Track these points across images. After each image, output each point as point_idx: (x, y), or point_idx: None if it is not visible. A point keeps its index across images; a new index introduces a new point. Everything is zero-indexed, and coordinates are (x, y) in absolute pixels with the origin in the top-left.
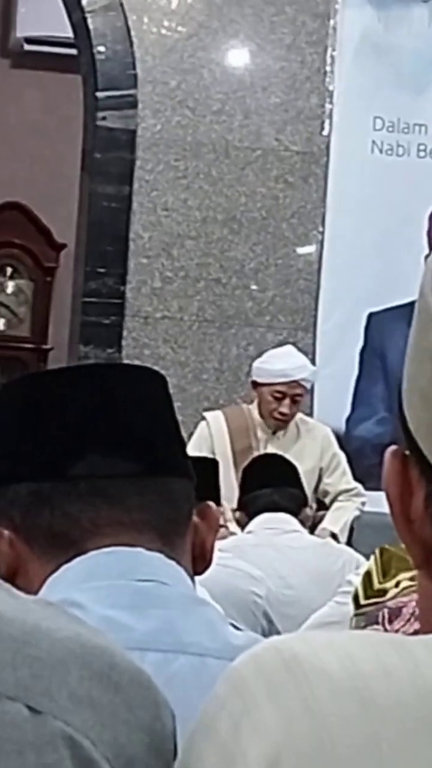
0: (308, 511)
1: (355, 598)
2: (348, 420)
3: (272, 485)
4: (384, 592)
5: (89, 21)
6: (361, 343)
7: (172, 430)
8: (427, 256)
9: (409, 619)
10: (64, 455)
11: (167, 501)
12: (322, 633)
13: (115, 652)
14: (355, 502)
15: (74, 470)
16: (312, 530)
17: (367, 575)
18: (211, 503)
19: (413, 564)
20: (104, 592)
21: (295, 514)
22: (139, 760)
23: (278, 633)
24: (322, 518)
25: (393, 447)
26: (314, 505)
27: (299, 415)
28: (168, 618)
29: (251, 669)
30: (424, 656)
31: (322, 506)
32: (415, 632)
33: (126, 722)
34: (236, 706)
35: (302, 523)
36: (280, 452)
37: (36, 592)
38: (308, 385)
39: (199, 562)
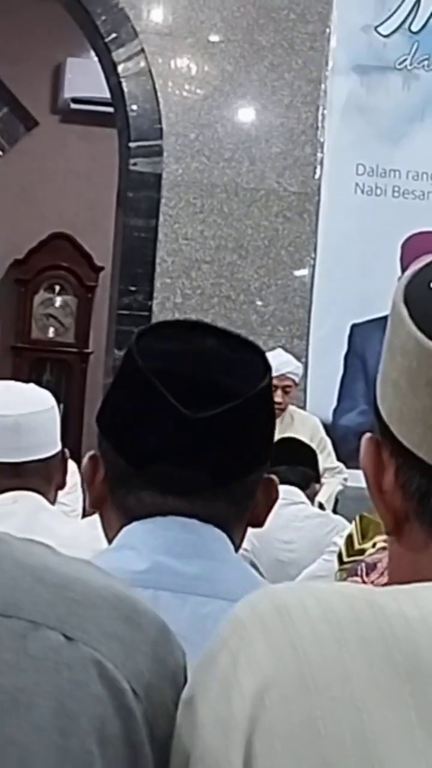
0: (317, 487)
1: (339, 557)
2: (334, 411)
3: (287, 463)
4: (363, 551)
5: (124, 84)
6: (345, 349)
7: (266, 431)
8: (399, 277)
9: (382, 572)
10: (147, 450)
11: (236, 501)
12: (308, 584)
13: (138, 601)
14: (338, 478)
15: (153, 470)
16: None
17: (349, 538)
18: (274, 478)
19: (385, 529)
20: (159, 541)
21: (302, 488)
22: (154, 686)
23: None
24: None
25: (368, 434)
26: None
27: (293, 407)
28: (208, 567)
29: (248, 614)
30: (389, 605)
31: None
32: (387, 584)
33: (145, 654)
34: (234, 644)
35: (309, 497)
36: (277, 436)
37: (112, 539)
38: (296, 379)
39: (252, 525)
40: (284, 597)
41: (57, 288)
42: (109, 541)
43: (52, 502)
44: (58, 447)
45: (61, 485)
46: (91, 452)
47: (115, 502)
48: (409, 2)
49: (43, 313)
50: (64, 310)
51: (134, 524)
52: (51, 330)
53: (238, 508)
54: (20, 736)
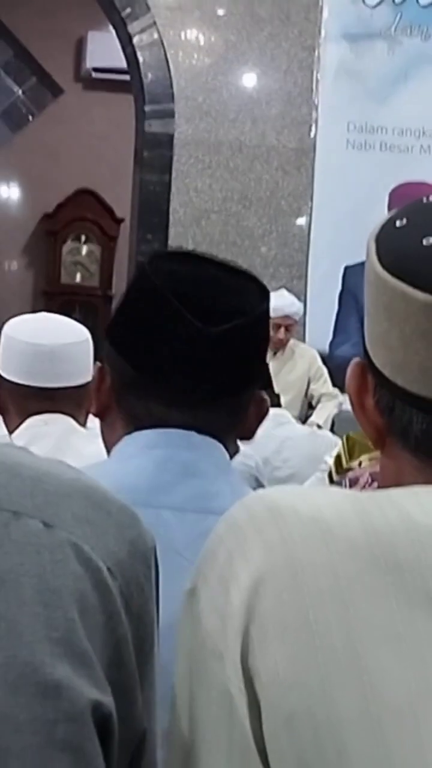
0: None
1: (329, 475)
2: (330, 344)
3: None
4: (350, 469)
5: (138, 55)
6: (340, 288)
7: (262, 351)
8: None
9: (363, 486)
10: (159, 360)
11: (232, 413)
12: (297, 488)
13: (107, 491)
14: (334, 402)
15: (161, 379)
16: (304, 422)
17: (338, 457)
18: (265, 395)
19: (371, 442)
20: (160, 458)
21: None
22: (126, 563)
23: None
24: (310, 415)
25: (356, 359)
26: (306, 405)
27: (293, 341)
28: (203, 486)
29: (243, 513)
30: (371, 507)
31: (311, 406)
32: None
33: (115, 536)
34: (231, 541)
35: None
36: (280, 367)
37: (113, 444)
38: (297, 318)
39: (242, 438)
40: (276, 499)
41: (83, 238)
42: (108, 448)
43: (83, 424)
44: (90, 377)
45: (89, 409)
46: (98, 363)
47: (122, 411)
48: None
49: (70, 261)
50: (89, 258)
51: (139, 433)
52: (78, 275)
53: (233, 420)
54: (7, 610)
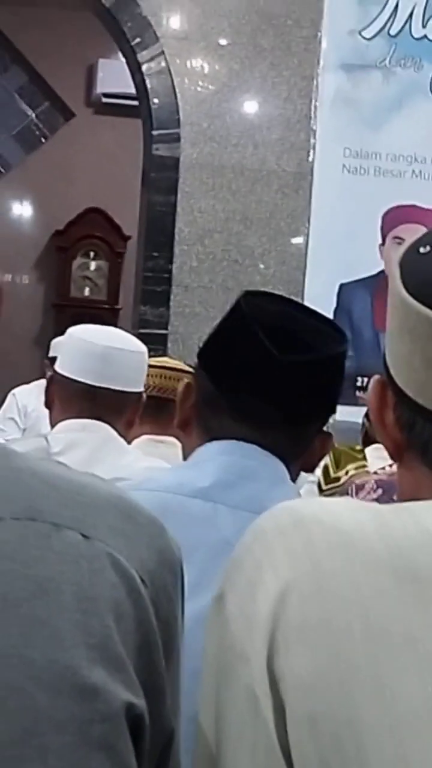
0: None
1: (318, 485)
2: None
3: None
4: (338, 479)
5: (147, 81)
6: (334, 305)
7: (333, 390)
8: (380, 244)
9: (368, 492)
10: (236, 381)
11: (296, 440)
12: (321, 500)
13: (137, 504)
14: None
15: (238, 400)
16: None
17: (325, 468)
18: (331, 434)
19: (390, 456)
20: (225, 462)
21: None
22: (156, 572)
23: None
24: None
25: (377, 376)
26: None
27: None
28: (259, 489)
29: (270, 524)
30: (392, 520)
31: None
32: (375, 500)
33: (146, 546)
34: (258, 550)
35: None
36: None
37: (189, 454)
38: None
39: (304, 470)
40: (301, 510)
41: (92, 254)
42: (185, 457)
43: (122, 433)
44: (139, 388)
45: (132, 423)
46: (187, 380)
47: (200, 424)
48: (387, 11)
49: (80, 276)
50: (98, 273)
51: (211, 443)
52: (87, 289)
53: (296, 447)
54: (50, 616)
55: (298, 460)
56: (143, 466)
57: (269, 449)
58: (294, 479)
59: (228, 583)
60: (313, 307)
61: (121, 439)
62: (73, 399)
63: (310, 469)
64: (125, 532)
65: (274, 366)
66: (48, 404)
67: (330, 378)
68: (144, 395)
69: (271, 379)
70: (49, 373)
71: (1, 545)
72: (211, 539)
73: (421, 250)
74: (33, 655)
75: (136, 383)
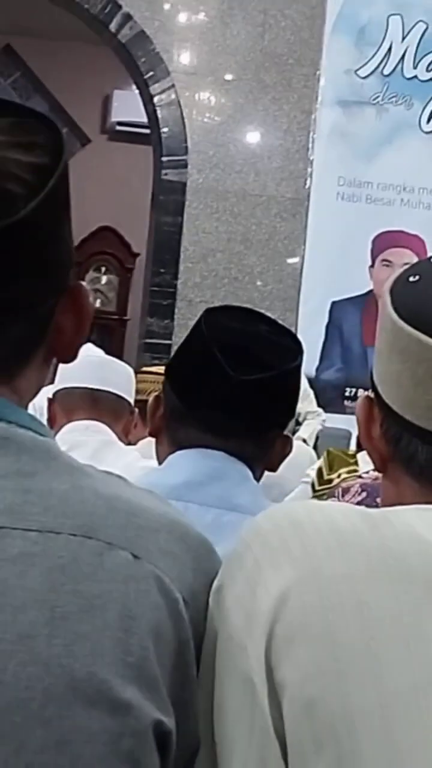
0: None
1: (312, 486)
2: (317, 369)
3: None
4: (330, 481)
5: (158, 112)
6: (327, 320)
7: (290, 400)
8: (370, 266)
9: (354, 494)
10: (198, 397)
11: (258, 446)
12: (314, 502)
13: (189, 526)
14: (318, 419)
15: (201, 413)
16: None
17: (319, 470)
18: (290, 436)
19: (376, 468)
20: (192, 465)
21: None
22: (198, 593)
23: None
24: (296, 430)
25: (364, 393)
26: (294, 422)
27: None
28: (226, 488)
29: (268, 524)
30: (381, 522)
31: (298, 423)
32: (359, 503)
33: (193, 569)
34: (257, 549)
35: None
36: None
37: (163, 460)
38: None
39: (268, 469)
40: (297, 511)
41: (103, 269)
42: (160, 463)
43: (119, 438)
44: (131, 399)
45: (126, 433)
46: (156, 393)
47: (169, 434)
48: (381, 52)
49: (91, 288)
50: (108, 286)
51: (179, 452)
52: (98, 301)
53: (260, 452)
54: (93, 632)
55: (261, 462)
56: (141, 466)
57: (234, 455)
58: (258, 479)
59: (227, 578)
60: (273, 318)
61: (120, 442)
62: (76, 404)
63: (273, 469)
64: (174, 553)
65: (232, 384)
66: (51, 423)
67: (286, 390)
68: (136, 410)
69: (229, 395)
70: (48, 397)
71: (56, 559)
72: None
73: (411, 279)
74: (74, 667)
75: (128, 393)
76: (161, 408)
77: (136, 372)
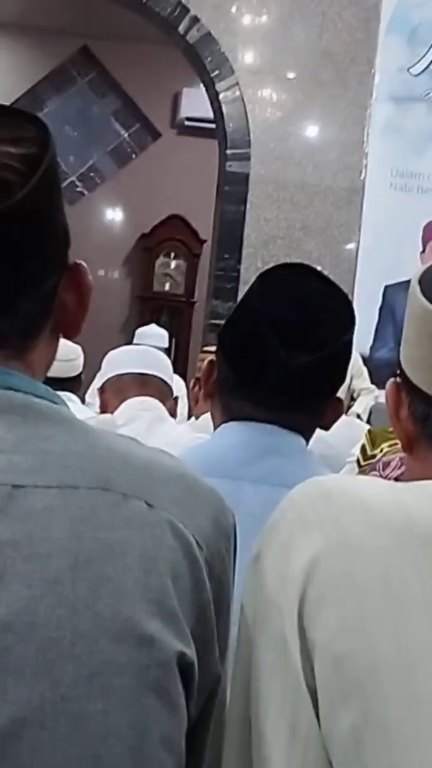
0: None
1: (357, 462)
2: (370, 348)
3: None
4: (374, 456)
5: (223, 108)
6: (380, 303)
7: (340, 373)
8: (421, 251)
9: (394, 468)
10: (250, 371)
11: (311, 416)
12: (345, 476)
13: (199, 478)
14: (371, 396)
15: (253, 389)
16: (346, 412)
17: (363, 447)
18: (342, 398)
19: (402, 448)
20: (246, 441)
21: None
22: (211, 538)
23: None
24: (351, 406)
25: (391, 379)
26: (349, 398)
27: None
28: (278, 463)
29: (302, 495)
30: (407, 495)
31: (353, 399)
32: (398, 476)
33: (203, 515)
34: (292, 517)
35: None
36: None
37: (217, 426)
38: None
39: (321, 428)
40: (329, 483)
41: (172, 254)
42: (215, 426)
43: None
44: (172, 386)
45: (173, 414)
46: (211, 357)
47: (221, 402)
48: None
49: (162, 273)
50: (177, 270)
51: (232, 423)
52: (167, 285)
53: (312, 422)
54: (116, 574)
55: (312, 430)
56: (192, 437)
57: (287, 427)
58: (308, 440)
59: (264, 545)
60: (329, 276)
61: (171, 418)
62: (127, 386)
63: (326, 428)
64: (186, 502)
65: (281, 366)
66: (103, 409)
67: (338, 363)
68: (179, 397)
69: (282, 376)
70: (98, 388)
71: (76, 511)
72: (237, 516)
73: None
74: (99, 607)
75: (170, 379)
76: (215, 373)
77: (201, 351)
